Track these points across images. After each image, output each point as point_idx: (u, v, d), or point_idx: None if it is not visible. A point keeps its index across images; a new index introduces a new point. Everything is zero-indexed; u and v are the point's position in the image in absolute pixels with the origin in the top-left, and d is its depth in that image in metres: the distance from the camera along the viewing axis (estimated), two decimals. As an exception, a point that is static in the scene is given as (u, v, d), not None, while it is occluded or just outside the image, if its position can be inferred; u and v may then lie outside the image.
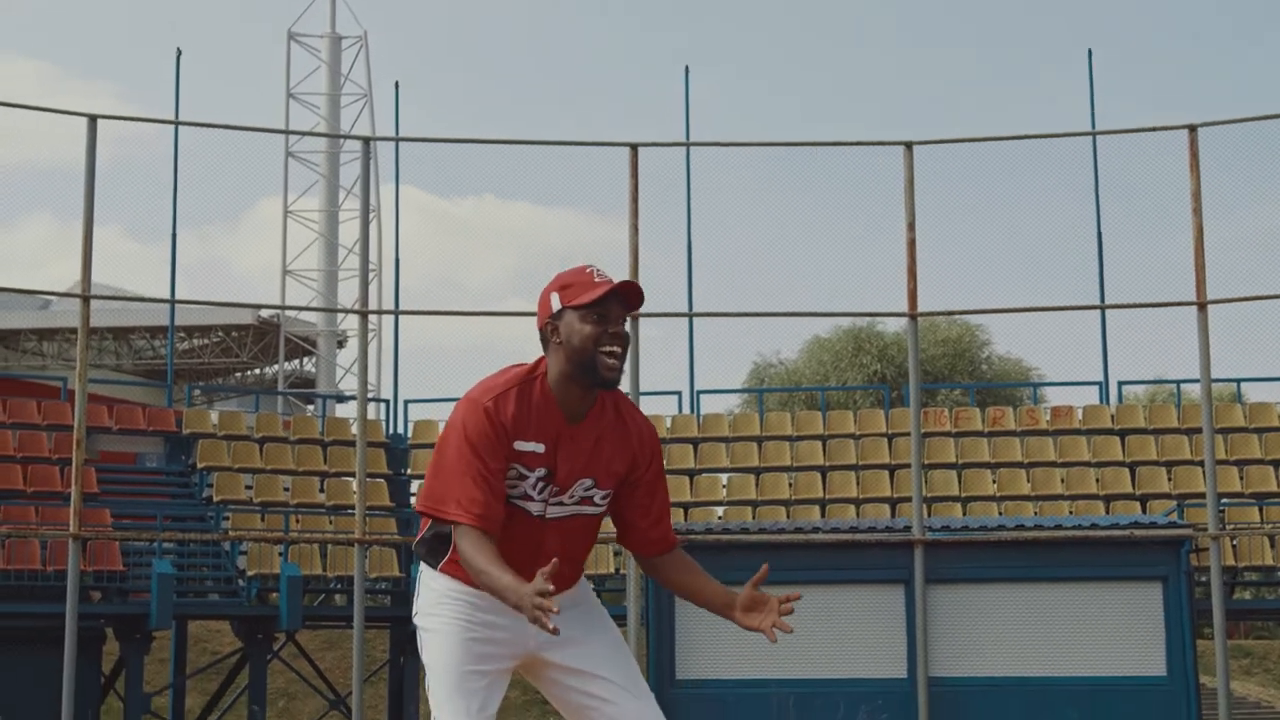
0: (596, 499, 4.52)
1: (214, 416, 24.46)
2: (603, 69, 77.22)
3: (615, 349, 4.35)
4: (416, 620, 4.67)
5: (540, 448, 4.40)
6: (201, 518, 21.67)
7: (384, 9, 76.82)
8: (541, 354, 4.49)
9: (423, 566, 4.69)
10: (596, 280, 4.37)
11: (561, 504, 4.48)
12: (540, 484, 4.44)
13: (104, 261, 54.27)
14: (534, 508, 4.46)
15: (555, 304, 4.40)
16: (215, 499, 21.83)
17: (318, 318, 48.88)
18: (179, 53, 25.71)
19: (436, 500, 4.39)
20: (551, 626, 4.00)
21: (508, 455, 4.37)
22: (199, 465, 22.56)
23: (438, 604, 4.59)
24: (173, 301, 24.05)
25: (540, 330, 4.46)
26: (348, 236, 48.02)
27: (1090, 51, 26.15)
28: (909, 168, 18.12)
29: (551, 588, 4.01)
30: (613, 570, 21.70)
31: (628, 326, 4.42)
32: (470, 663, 4.53)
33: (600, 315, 4.34)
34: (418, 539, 4.68)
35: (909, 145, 18.23)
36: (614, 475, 4.53)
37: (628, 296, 4.38)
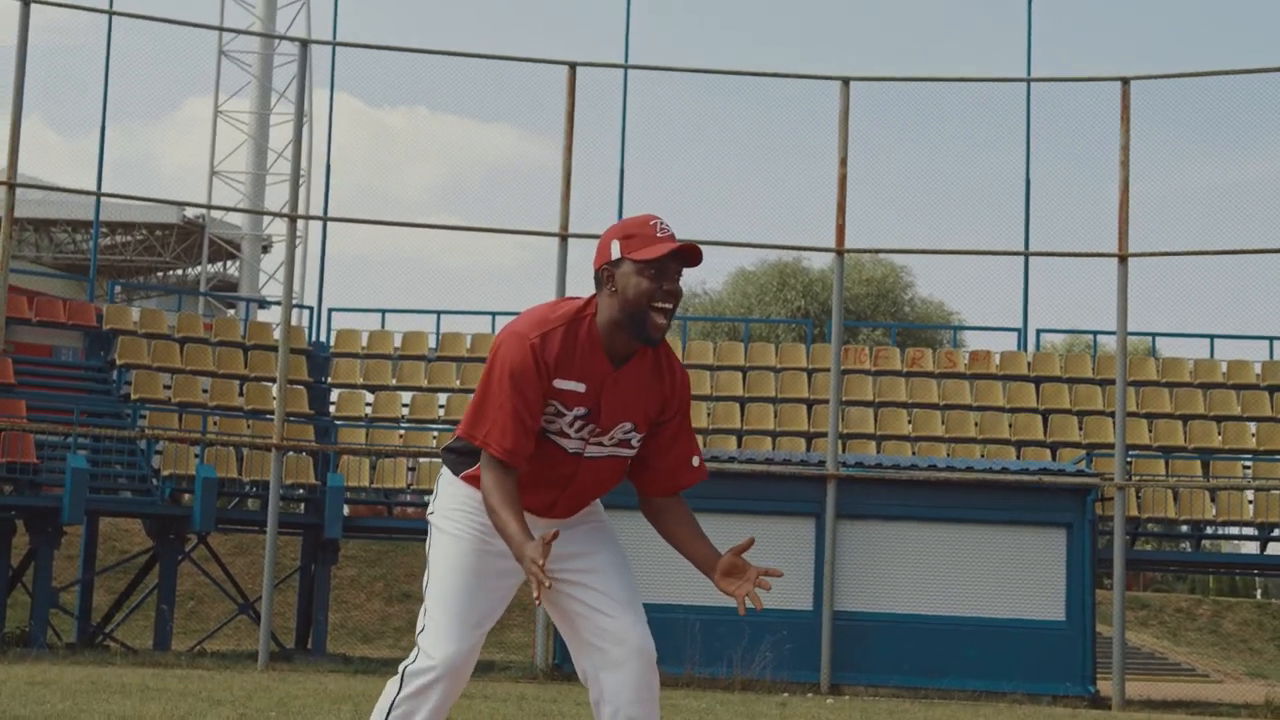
0: (633, 441, 4.57)
1: (135, 314, 24.26)
2: (545, -14, 76.63)
3: (668, 305, 4.38)
4: (431, 518, 4.70)
5: (581, 387, 4.43)
6: (118, 415, 21.56)
7: (326, -89, 75.75)
8: (593, 293, 4.49)
9: (445, 470, 4.73)
10: (659, 235, 4.38)
11: (601, 444, 4.53)
12: (579, 423, 4.48)
13: (27, 151, 53.43)
14: (570, 445, 4.51)
15: (615, 251, 4.40)
16: (133, 397, 21.71)
17: (243, 221, 48.44)
18: (115, -57, 25.32)
19: (473, 426, 4.43)
20: (537, 595, 4.12)
21: (547, 392, 4.40)
22: (118, 362, 22.41)
23: (457, 509, 4.64)
24: (98, 194, 23.83)
25: (596, 271, 4.46)
26: (278, 140, 47.55)
27: (1030, -1, 26.26)
28: (844, 102, 18.22)
29: (543, 561, 4.12)
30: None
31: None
32: (480, 572, 4.58)
33: (658, 271, 4.35)
34: (447, 445, 4.73)
35: (845, 80, 18.33)
36: (649, 418, 4.58)
37: (688, 257, 4.39)
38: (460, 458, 4.67)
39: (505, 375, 4.38)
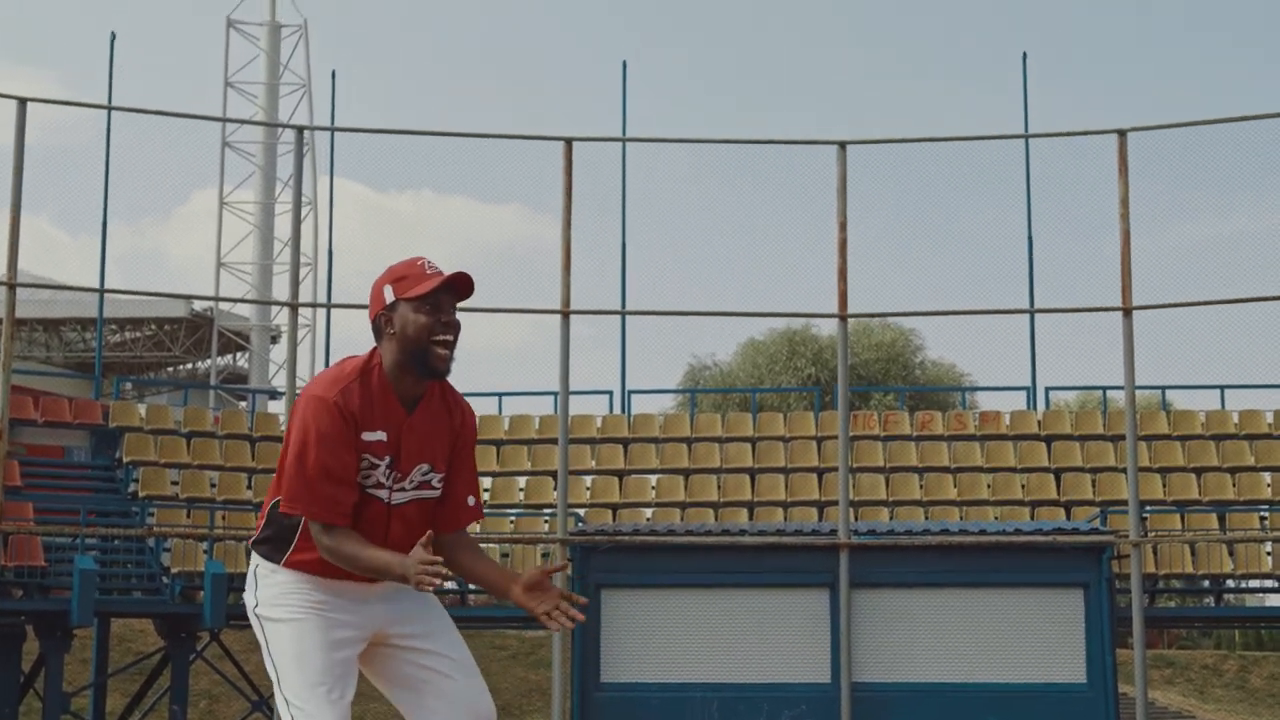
0: (434, 482, 4.68)
1: (142, 410, 24.21)
2: (543, 63, 77.04)
3: (447, 338, 4.52)
4: (259, 613, 4.69)
5: (384, 436, 4.54)
6: (126, 513, 21.45)
7: None
8: (374, 345, 4.63)
9: (260, 563, 4.72)
10: (429, 272, 4.53)
11: (404, 489, 4.62)
12: (388, 471, 4.58)
13: (34, 251, 53.66)
14: (384, 495, 4.60)
15: (389, 296, 4.55)
16: (141, 494, 21.62)
17: (252, 312, 48.49)
18: (113, 37, 25.49)
19: (295, 500, 4.46)
20: (438, 583, 4.21)
21: (358, 447, 4.49)
22: (125, 459, 22.34)
23: (286, 595, 4.65)
24: (101, 291, 23.80)
25: (373, 321, 4.60)
26: (284, 229, 47.70)
27: (1025, 55, 26.31)
28: (842, 167, 18.17)
29: (433, 555, 4.24)
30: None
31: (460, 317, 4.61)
32: (327, 649, 4.60)
33: (433, 306, 4.50)
34: (257, 538, 4.73)
35: (842, 145, 18.28)
36: (445, 457, 4.71)
37: (459, 287, 4.53)
38: (277, 545, 4.67)
39: (317, 441, 4.43)
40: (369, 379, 4.55)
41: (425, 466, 4.63)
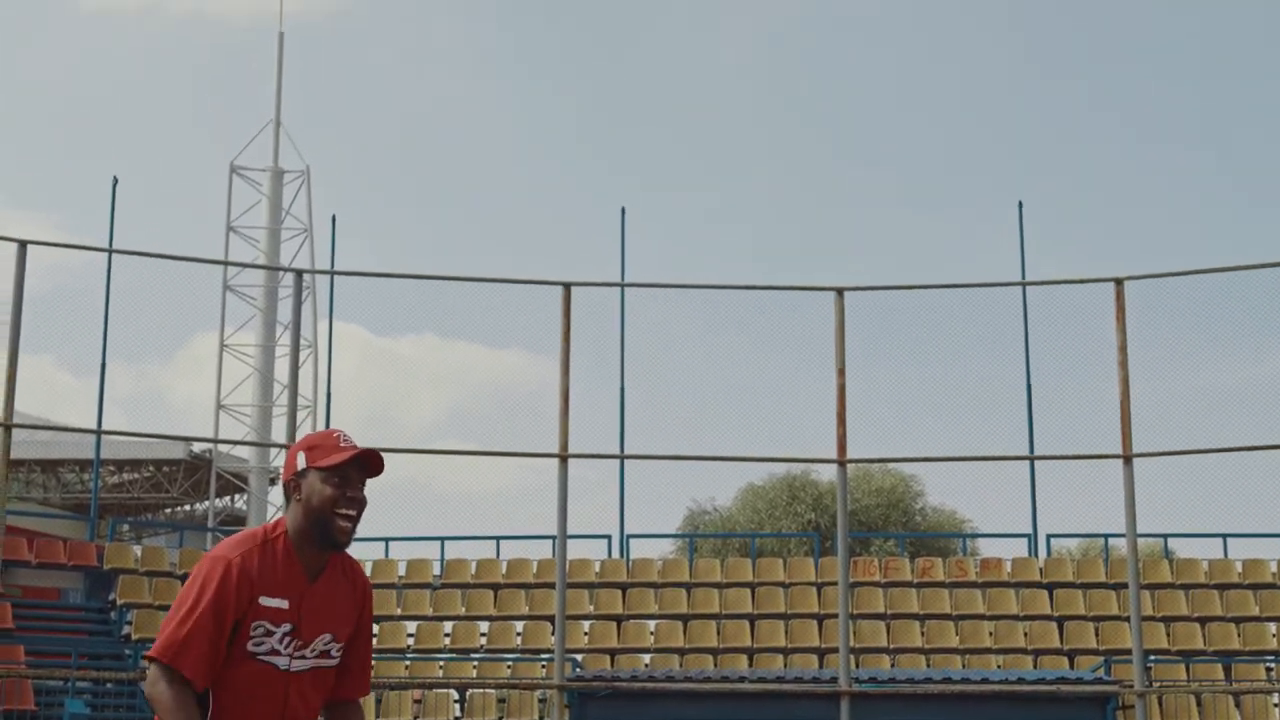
0: (333, 651, 4.69)
1: (137, 552, 24.07)
2: (545, 208, 77.72)
3: (351, 513, 4.55)
4: None
5: (285, 603, 4.53)
6: (119, 656, 21.22)
7: (328, 144, 77.27)
8: (280, 514, 4.69)
9: None
10: (342, 445, 4.58)
11: (304, 658, 4.61)
12: (286, 639, 4.56)
13: (38, 393, 53.72)
14: (280, 662, 4.57)
15: (301, 463, 4.59)
16: (134, 637, 21.40)
17: (251, 454, 48.42)
18: (115, 180, 25.70)
19: (165, 648, 4.42)
20: None
21: (251, 612, 4.48)
22: (119, 602, 22.14)
23: None
24: (99, 432, 23.77)
25: (284, 485, 4.67)
26: (284, 372, 47.77)
27: (1020, 203, 26.53)
28: (839, 313, 18.22)
29: None
30: (537, 717, 21.36)
31: (368, 490, 4.62)
32: None
33: (341, 479, 4.53)
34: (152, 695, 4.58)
35: (840, 291, 18.36)
36: (347, 628, 4.73)
37: (369, 463, 4.58)
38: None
39: (207, 597, 4.42)
40: (273, 544, 4.56)
41: (328, 636, 4.65)
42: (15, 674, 18.40)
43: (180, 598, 4.49)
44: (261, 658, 4.53)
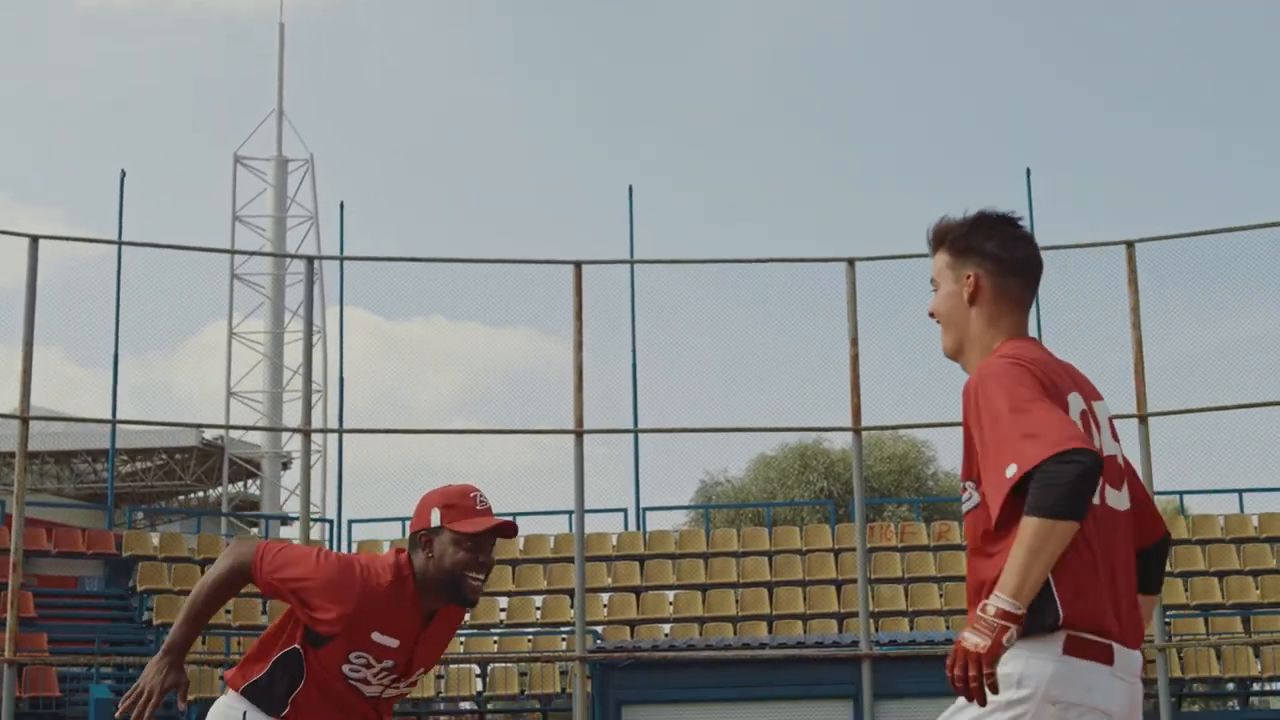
0: (417, 676, 4.83)
1: (155, 539, 24.17)
2: (552, 187, 77.69)
3: (482, 576, 4.62)
4: None
5: (395, 643, 4.60)
6: (141, 641, 21.34)
7: (331, 131, 77.25)
8: (402, 552, 4.70)
9: (245, 710, 4.67)
10: (478, 508, 4.61)
11: (398, 688, 4.74)
12: (385, 673, 4.64)
13: (47, 385, 53.85)
14: (370, 691, 4.66)
15: (435, 520, 4.61)
16: (155, 622, 21.51)
17: (262, 440, 48.56)
18: (123, 174, 25.75)
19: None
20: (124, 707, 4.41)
21: (359, 641, 4.56)
22: (139, 588, 22.26)
23: None
24: (114, 422, 23.87)
25: (414, 534, 4.66)
26: (293, 358, 47.90)
27: (1028, 170, 26.53)
28: (851, 282, 18.25)
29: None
30: (559, 689, 21.47)
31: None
32: None
33: (475, 544, 4.58)
34: (248, 681, 4.69)
35: (851, 261, 18.38)
36: (438, 655, 4.93)
37: (506, 533, 4.63)
38: (268, 693, 4.64)
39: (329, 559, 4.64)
40: (402, 586, 4.61)
41: (422, 669, 4.80)
42: (39, 661, 18.51)
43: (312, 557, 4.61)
44: (352, 681, 4.62)
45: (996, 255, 3.81)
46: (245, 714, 4.64)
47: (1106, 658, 3.48)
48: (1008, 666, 3.43)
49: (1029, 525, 3.35)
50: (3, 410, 30.98)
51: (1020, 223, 3.89)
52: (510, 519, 4.66)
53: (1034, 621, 3.43)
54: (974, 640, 3.38)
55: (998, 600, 3.37)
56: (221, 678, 4.63)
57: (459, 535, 4.56)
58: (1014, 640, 3.37)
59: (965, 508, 3.81)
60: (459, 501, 4.61)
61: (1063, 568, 3.43)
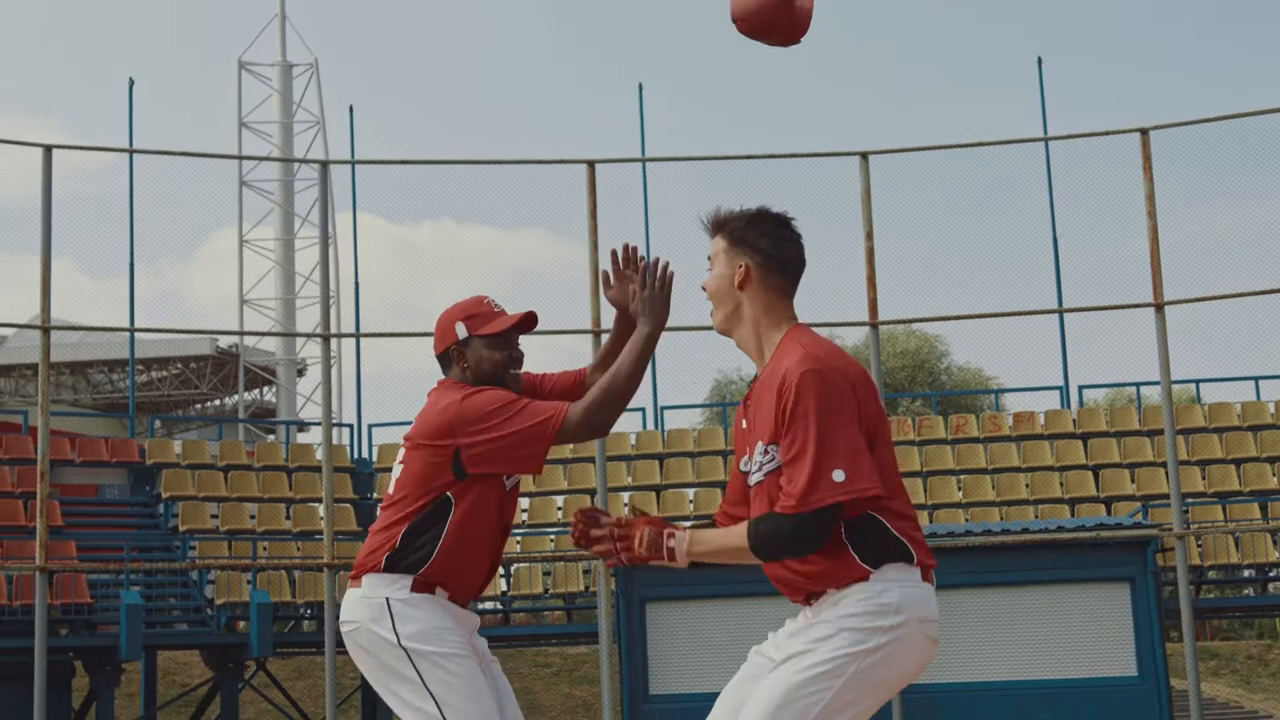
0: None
1: (177, 447, 24.34)
2: (559, 89, 77.24)
3: (518, 371, 4.90)
4: (411, 647, 4.68)
5: None
6: (168, 548, 21.57)
7: (334, 36, 76.76)
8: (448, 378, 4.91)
9: (388, 590, 4.72)
10: (496, 310, 4.90)
11: (514, 501, 5.03)
12: (512, 488, 4.98)
13: (57, 297, 53.87)
14: (507, 513, 4.95)
15: (461, 332, 4.85)
16: (181, 528, 21.72)
17: (276, 347, 48.72)
18: (131, 82, 25.64)
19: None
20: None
21: None
22: (164, 495, 22.45)
23: (439, 627, 4.72)
24: (132, 330, 23.95)
25: (442, 354, 4.90)
26: (304, 264, 47.94)
27: (1040, 59, 26.36)
28: (865, 177, 18.19)
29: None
30: (583, 588, 21.69)
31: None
32: (488, 691, 4.77)
33: (504, 342, 4.84)
34: (389, 551, 4.72)
35: (864, 155, 18.31)
36: None
37: (529, 324, 4.89)
38: (413, 550, 4.71)
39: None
40: None
41: None
42: (71, 569, 18.71)
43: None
44: (505, 508, 4.92)
45: (766, 251, 4.26)
46: (388, 600, 4.68)
47: (933, 581, 4.29)
48: (885, 596, 4.08)
49: (745, 538, 4.19)
50: (16, 319, 31.11)
51: (793, 224, 4.35)
52: (533, 311, 4.87)
53: (902, 558, 4.13)
54: (659, 544, 4.38)
55: (685, 543, 4.38)
56: (348, 577, 4.56)
57: (490, 338, 4.84)
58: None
59: (766, 470, 4.18)
60: (478, 309, 4.88)
61: (899, 517, 4.16)
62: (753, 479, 4.24)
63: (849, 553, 4.09)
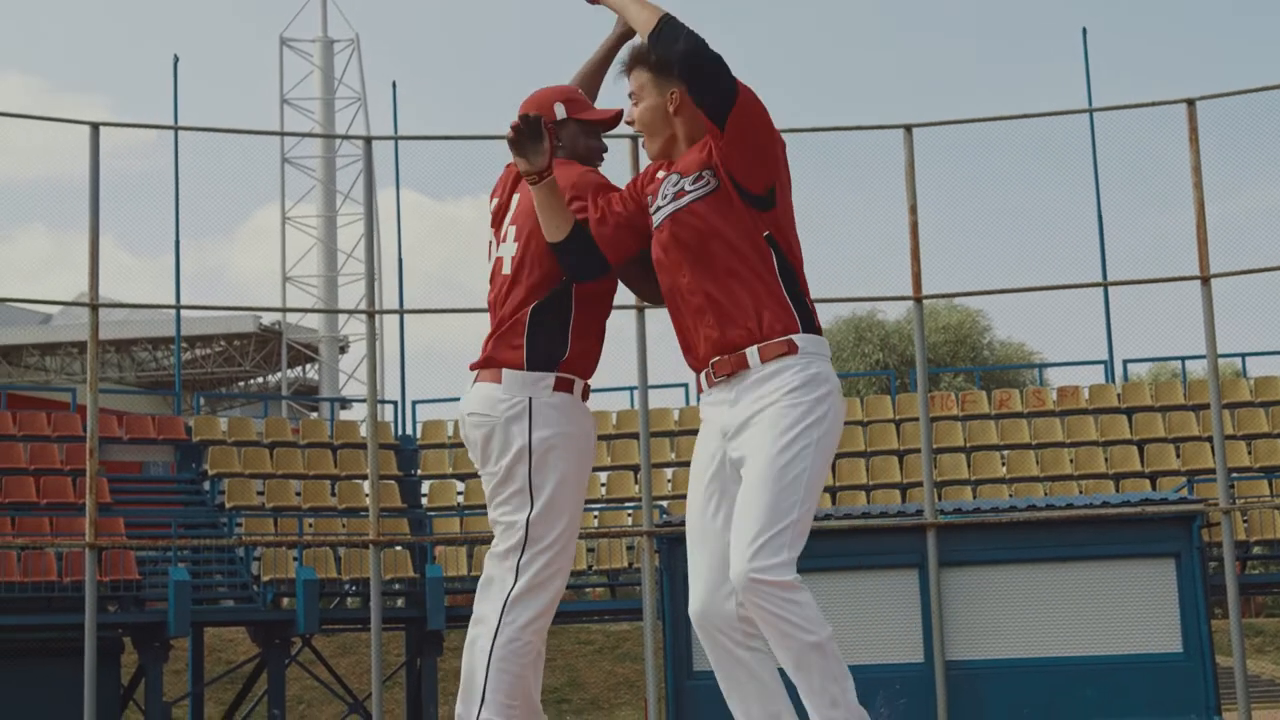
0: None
1: (223, 424, 24.49)
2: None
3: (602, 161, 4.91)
4: (539, 450, 4.76)
5: None
6: (215, 524, 21.72)
7: (375, 11, 76.86)
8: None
9: (532, 381, 4.71)
10: (593, 103, 4.95)
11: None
12: None
13: (102, 273, 54.14)
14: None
15: (561, 113, 4.84)
16: (228, 505, 21.87)
17: (319, 324, 48.87)
18: (176, 59, 25.77)
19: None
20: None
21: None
22: (210, 472, 22.60)
23: (566, 440, 4.86)
24: (178, 307, 24.08)
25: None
26: (346, 241, 48.06)
27: (1085, 30, 26.18)
28: (909, 150, 18.10)
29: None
30: (626, 564, 21.75)
31: None
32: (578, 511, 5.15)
33: (599, 132, 4.89)
34: (525, 342, 4.70)
35: (908, 128, 18.20)
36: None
37: (617, 122, 4.87)
38: (547, 353, 4.72)
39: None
40: None
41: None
42: (120, 545, 18.87)
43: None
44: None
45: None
46: (530, 400, 4.68)
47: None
48: (814, 368, 4.34)
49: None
50: (62, 298, 31.31)
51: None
52: (620, 109, 4.81)
53: (814, 330, 4.37)
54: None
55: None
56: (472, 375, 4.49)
57: (589, 124, 4.87)
58: None
59: (699, 193, 4.41)
60: (577, 96, 4.90)
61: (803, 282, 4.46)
62: (675, 204, 4.42)
63: (792, 312, 4.34)
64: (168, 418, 24.24)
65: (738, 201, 4.37)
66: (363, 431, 22.95)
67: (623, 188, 4.74)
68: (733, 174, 4.37)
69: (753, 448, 4.29)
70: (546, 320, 4.68)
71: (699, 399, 4.53)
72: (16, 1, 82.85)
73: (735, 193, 4.37)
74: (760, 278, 4.37)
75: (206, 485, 22.76)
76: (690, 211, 4.39)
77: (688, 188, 4.39)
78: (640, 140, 4.97)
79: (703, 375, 4.46)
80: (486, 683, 4.67)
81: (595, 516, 22.54)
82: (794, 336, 4.34)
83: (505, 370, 4.68)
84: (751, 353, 4.34)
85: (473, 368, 4.81)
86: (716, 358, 4.39)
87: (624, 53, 4.62)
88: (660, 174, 4.56)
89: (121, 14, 78.45)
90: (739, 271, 4.36)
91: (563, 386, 4.70)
